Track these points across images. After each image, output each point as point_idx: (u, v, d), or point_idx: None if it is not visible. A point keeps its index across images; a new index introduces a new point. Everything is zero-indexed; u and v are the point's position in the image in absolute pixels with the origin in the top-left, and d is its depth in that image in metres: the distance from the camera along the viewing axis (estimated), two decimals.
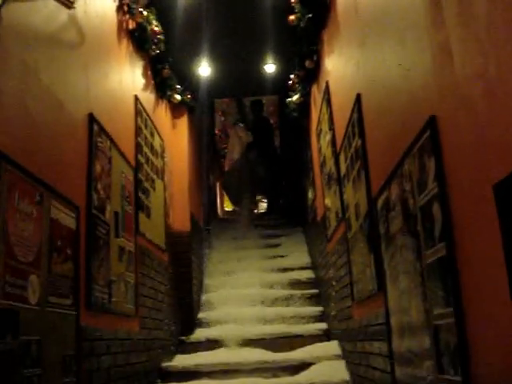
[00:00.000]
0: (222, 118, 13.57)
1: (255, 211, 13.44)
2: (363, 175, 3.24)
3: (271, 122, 11.26)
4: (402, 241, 2.40)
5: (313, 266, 7.21)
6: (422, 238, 2.09)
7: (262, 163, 10.01)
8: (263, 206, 14.67)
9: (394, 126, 2.53)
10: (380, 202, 2.81)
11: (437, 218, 1.89)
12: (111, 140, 3.74)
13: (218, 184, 12.26)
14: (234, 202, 11.11)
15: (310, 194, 6.72)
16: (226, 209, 14.97)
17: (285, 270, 7.30)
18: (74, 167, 3.11)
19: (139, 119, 4.68)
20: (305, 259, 7.55)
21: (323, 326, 5.73)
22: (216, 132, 12.39)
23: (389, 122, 2.63)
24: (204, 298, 6.79)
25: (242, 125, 10.71)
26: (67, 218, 2.86)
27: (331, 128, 4.46)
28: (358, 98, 3.30)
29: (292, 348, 5.34)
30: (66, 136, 3.02)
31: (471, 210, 1.64)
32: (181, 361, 5.20)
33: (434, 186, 1.90)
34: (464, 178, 1.69)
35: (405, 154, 2.26)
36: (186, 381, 4.82)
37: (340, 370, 4.64)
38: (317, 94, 5.43)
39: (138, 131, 4.59)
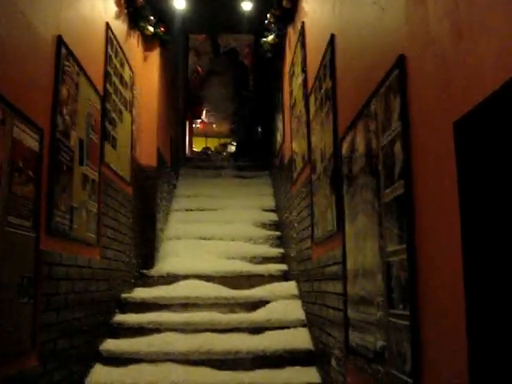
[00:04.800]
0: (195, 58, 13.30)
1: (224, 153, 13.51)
2: (331, 117, 3.25)
3: (246, 64, 11.19)
4: (363, 181, 2.44)
5: (277, 209, 7.29)
6: (382, 177, 2.13)
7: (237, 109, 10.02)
8: (232, 148, 14.70)
9: (364, 66, 2.53)
10: (345, 144, 2.83)
11: (398, 156, 1.92)
12: (79, 66, 3.65)
13: (187, 123, 12.17)
14: None
15: (279, 138, 6.72)
16: (195, 149, 14.95)
17: (249, 210, 7.35)
18: (40, 89, 3.05)
19: (109, 48, 4.56)
20: (269, 202, 7.63)
21: (283, 267, 5.83)
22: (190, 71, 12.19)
23: (360, 63, 2.63)
24: (167, 233, 6.83)
25: None
26: (30, 140, 2.81)
27: (304, 70, 4.43)
28: (332, 38, 3.28)
29: (251, 286, 5.45)
30: (33, 57, 2.94)
31: (431, 147, 1.67)
32: (140, 293, 5.25)
33: (398, 125, 1.92)
34: (427, 116, 1.71)
35: (372, 94, 2.27)
36: (144, 312, 4.90)
37: (296, 308, 4.77)
38: (292, 36, 5.37)
39: (107, 60, 4.48)
